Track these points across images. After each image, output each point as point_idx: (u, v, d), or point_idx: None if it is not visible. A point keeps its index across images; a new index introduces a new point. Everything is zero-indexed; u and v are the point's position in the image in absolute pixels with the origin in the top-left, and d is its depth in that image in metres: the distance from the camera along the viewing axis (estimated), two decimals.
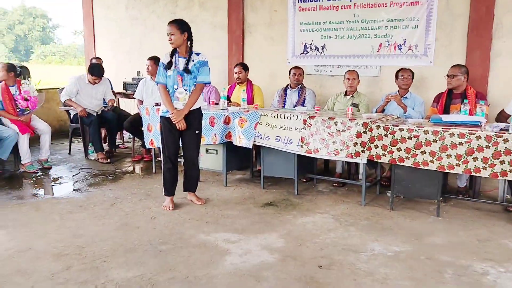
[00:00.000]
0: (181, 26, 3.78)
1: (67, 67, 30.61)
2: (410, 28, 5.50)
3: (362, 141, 3.95)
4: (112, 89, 6.59)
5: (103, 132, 6.47)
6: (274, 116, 4.39)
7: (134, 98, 6.30)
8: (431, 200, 4.02)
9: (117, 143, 6.57)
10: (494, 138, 3.47)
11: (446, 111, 4.48)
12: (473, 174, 3.63)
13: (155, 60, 5.66)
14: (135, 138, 6.29)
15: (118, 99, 6.80)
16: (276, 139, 4.35)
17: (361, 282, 2.67)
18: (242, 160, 5.01)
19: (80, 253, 3.06)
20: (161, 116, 3.98)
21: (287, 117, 4.32)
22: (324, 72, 6.17)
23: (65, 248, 3.14)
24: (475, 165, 3.56)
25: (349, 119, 4.01)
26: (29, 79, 5.84)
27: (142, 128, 5.91)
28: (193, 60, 3.88)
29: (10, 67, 5.26)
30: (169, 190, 4.08)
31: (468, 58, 5.15)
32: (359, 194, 4.44)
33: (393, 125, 3.82)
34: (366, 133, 3.92)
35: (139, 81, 6.37)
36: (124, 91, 7.07)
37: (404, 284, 2.65)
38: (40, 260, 2.95)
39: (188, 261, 2.95)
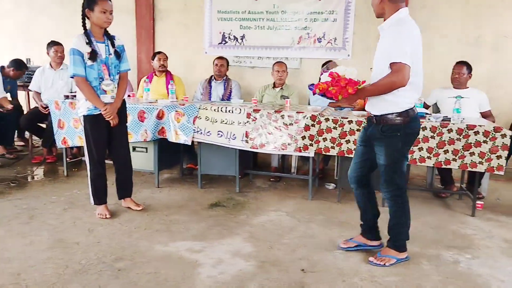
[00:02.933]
0: None
1: None
2: (329, 21, 5.59)
3: (310, 134, 3.88)
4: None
5: None
6: (215, 110, 4.09)
7: (29, 90, 5.44)
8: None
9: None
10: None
11: None
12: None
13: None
14: (33, 136, 5.45)
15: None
16: (218, 134, 4.07)
17: (351, 283, 2.59)
18: (173, 158, 4.62)
19: (17, 282, 2.47)
20: (86, 116, 3.37)
21: (229, 111, 4.05)
22: (244, 64, 5.99)
23: None
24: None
25: (297, 112, 3.91)
26: None
27: (41, 124, 5.19)
28: (114, 44, 3.42)
29: None
30: (102, 198, 3.54)
31: None
32: (298, 188, 4.40)
33: (342, 117, 3.82)
34: (315, 126, 3.86)
35: (32, 71, 5.51)
36: None
37: (391, 280, 2.63)
38: None
39: (158, 279, 2.57)
